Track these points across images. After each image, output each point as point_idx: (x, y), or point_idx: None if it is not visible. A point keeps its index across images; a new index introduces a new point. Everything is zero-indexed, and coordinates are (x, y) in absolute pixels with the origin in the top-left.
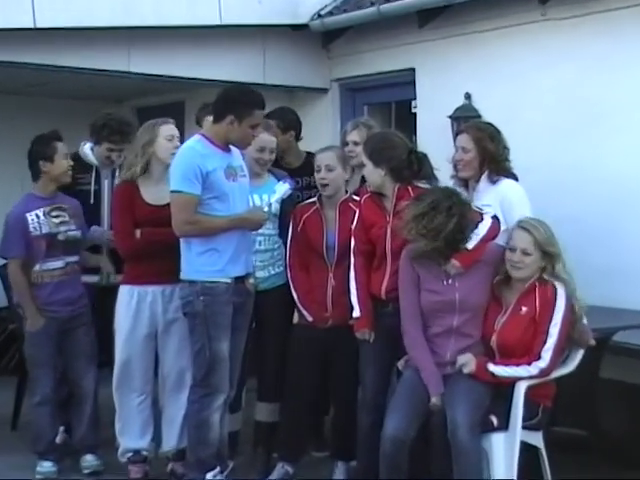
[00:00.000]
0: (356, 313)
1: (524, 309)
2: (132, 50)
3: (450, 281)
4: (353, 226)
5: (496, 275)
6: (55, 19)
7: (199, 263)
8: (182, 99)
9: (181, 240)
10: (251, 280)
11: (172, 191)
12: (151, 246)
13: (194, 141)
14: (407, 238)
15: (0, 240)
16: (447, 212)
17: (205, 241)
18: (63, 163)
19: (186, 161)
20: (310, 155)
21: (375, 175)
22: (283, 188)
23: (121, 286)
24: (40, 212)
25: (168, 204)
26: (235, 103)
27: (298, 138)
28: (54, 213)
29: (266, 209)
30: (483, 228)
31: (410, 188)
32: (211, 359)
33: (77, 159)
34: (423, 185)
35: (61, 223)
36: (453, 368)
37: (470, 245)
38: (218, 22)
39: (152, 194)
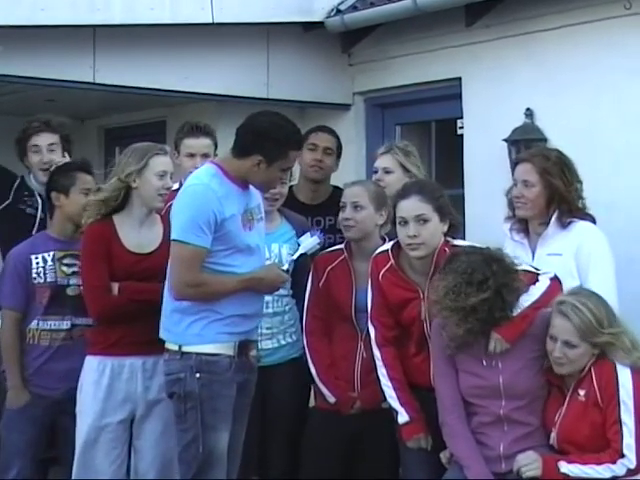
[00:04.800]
0: (403, 418)
1: (582, 393)
2: (98, 55)
3: (492, 361)
4: (369, 309)
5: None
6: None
7: (196, 327)
8: (163, 117)
9: (168, 294)
10: (253, 352)
11: (174, 240)
12: (132, 306)
13: (208, 176)
14: (439, 319)
15: None
16: (479, 286)
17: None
18: (79, 199)
19: (199, 203)
20: (338, 190)
21: (439, 233)
22: (310, 242)
23: (88, 357)
24: (48, 256)
25: (153, 252)
26: (267, 141)
27: None
28: (67, 260)
29: (286, 267)
30: (536, 291)
31: (447, 248)
32: (205, 456)
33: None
34: (458, 242)
35: (74, 274)
36: (509, 464)
37: (516, 313)
38: (209, 20)
39: (133, 239)
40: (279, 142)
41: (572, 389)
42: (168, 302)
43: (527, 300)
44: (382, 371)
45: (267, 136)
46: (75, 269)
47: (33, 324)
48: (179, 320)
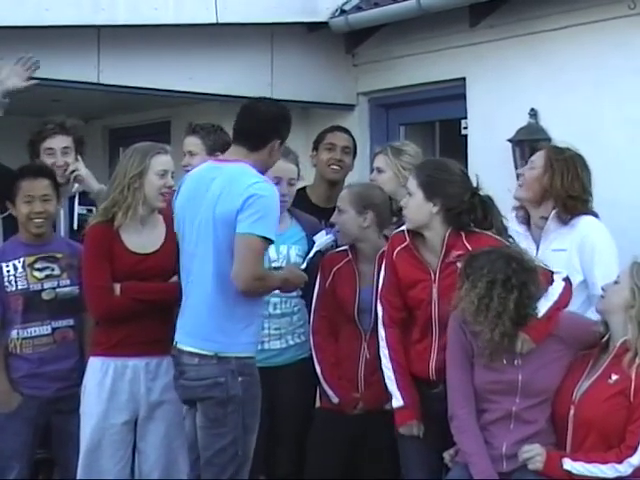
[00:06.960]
0: (398, 402)
1: (614, 378)
2: (102, 56)
3: (513, 359)
4: (380, 287)
5: (572, 354)
6: (4, 16)
7: (244, 334)
8: (167, 118)
9: (216, 299)
10: None
11: (249, 233)
12: (135, 306)
13: (265, 177)
14: (474, 329)
15: None
16: (504, 287)
17: (253, 304)
18: (23, 208)
19: (276, 200)
20: None
21: (423, 210)
22: (325, 240)
23: (91, 358)
24: (19, 262)
25: (155, 252)
26: (283, 123)
27: None
28: (38, 265)
29: (304, 266)
30: (555, 292)
31: (464, 235)
32: (243, 458)
33: None
34: (483, 233)
35: (47, 278)
36: (511, 464)
37: (541, 313)
38: (213, 20)
39: (136, 239)
40: (290, 122)
41: (605, 367)
42: (219, 310)
43: (549, 301)
44: (384, 352)
45: (281, 119)
46: (48, 272)
47: (13, 334)
48: (230, 329)
